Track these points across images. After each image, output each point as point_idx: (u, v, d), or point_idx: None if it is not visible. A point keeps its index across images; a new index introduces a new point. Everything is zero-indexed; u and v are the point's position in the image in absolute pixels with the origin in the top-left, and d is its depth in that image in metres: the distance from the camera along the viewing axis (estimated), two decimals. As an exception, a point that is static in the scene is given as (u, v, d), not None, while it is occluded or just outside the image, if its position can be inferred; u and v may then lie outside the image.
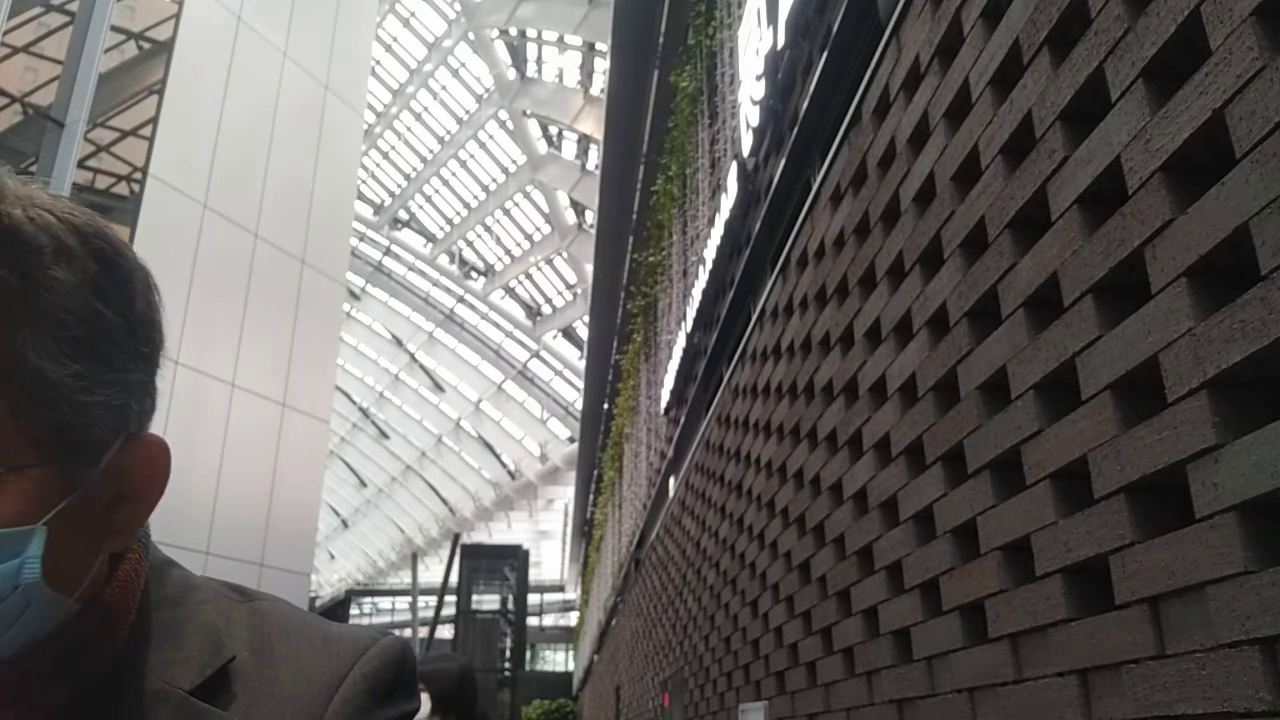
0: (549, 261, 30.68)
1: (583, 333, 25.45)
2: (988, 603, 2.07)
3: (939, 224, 2.38)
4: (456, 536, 29.81)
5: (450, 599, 26.27)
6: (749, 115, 4.99)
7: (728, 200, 5.56)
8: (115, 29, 9.23)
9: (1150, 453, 1.50)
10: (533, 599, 35.44)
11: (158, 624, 0.62)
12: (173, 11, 9.74)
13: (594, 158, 22.23)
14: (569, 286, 31.13)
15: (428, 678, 3.16)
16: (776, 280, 4.25)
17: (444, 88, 27.57)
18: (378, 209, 32.42)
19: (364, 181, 30.11)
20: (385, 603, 47.87)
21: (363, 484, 43.96)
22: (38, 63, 9.09)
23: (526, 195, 28.56)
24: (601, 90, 15.87)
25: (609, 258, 13.38)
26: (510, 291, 32.98)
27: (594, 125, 20.27)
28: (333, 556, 50.92)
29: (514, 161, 27.61)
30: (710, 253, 6.17)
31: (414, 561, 39.21)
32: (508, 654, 24.75)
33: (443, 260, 32.83)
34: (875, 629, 2.82)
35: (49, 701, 0.57)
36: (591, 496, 22.56)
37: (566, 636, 40.50)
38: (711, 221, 6.31)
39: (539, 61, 23.85)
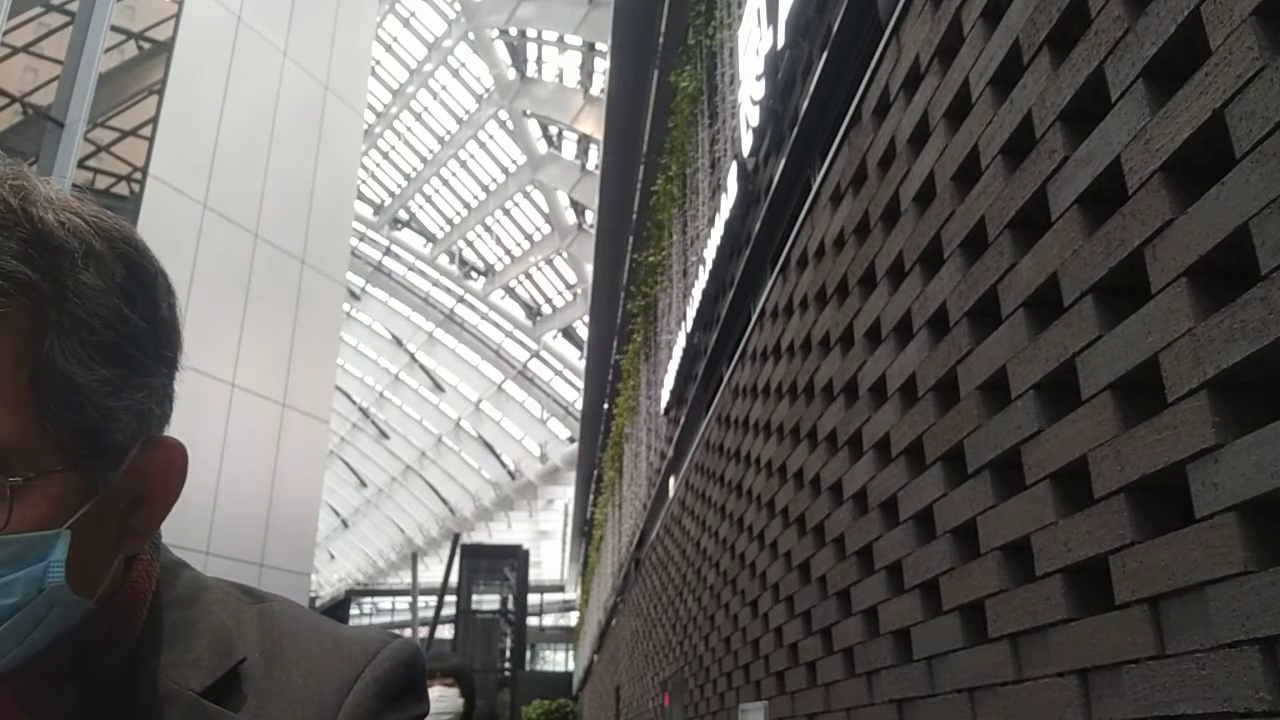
0: (549, 261, 30.70)
1: (583, 333, 25.46)
2: (988, 603, 2.07)
3: (939, 224, 2.38)
4: (456, 536, 29.82)
5: (450, 599, 26.28)
6: (749, 115, 4.99)
7: (728, 200, 5.56)
8: (115, 29, 9.23)
9: (1150, 453, 1.50)
10: (533, 599, 35.46)
11: (169, 625, 0.62)
12: (173, 11, 9.74)
13: (594, 158, 22.23)
14: (569, 286, 31.14)
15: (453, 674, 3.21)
16: (776, 280, 4.25)
17: (444, 88, 27.59)
18: (378, 209, 32.42)
19: (364, 181, 30.12)
20: (385, 603, 47.87)
21: (363, 484, 43.96)
22: (38, 63, 9.09)
23: (526, 195, 28.57)
24: (601, 90, 15.87)
25: (609, 258, 13.38)
26: (510, 291, 32.99)
27: (594, 125, 20.27)
28: (333, 556, 50.92)
29: (514, 161, 27.62)
30: (710, 253, 6.17)
31: (414, 561, 39.20)
32: (508, 654, 24.76)
33: (443, 260, 32.84)
34: (875, 629, 2.82)
35: (63, 702, 0.57)
36: (591, 496, 22.55)
37: (566, 636, 40.50)
38: (711, 221, 6.31)
39: (539, 61, 23.87)
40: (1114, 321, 1.61)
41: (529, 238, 30.55)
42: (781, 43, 4.36)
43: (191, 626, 0.63)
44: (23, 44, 8.85)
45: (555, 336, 32.73)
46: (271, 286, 10.60)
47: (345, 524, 47.42)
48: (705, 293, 6.54)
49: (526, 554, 27.59)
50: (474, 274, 33.15)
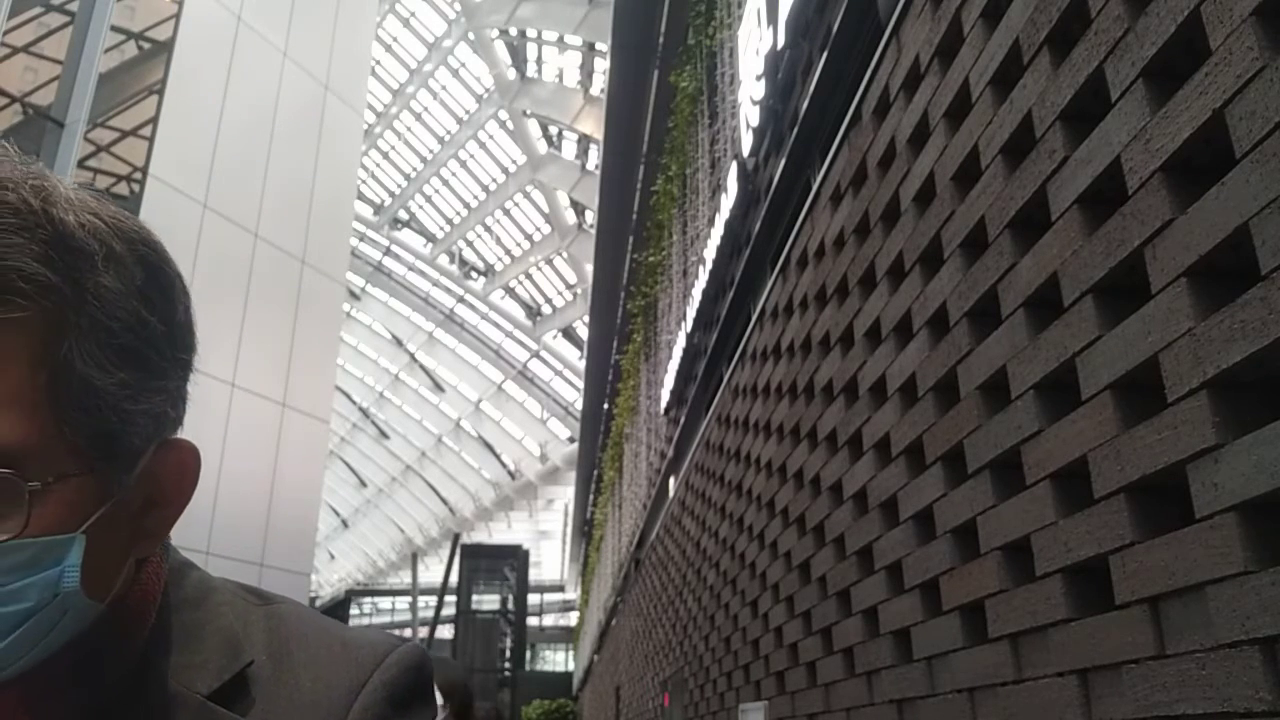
0: (549, 261, 30.69)
1: (583, 333, 25.46)
2: (988, 603, 2.07)
3: (939, 224, 2.38)
4: (456, 536, 29.84)
5: (450, 599, 26.29)
6: (749, 115, 4.99)
7: (728, 200, 5.56)
8: (115, 29, 9.23)
9: (1150, 453, 1.50)
10: (533, 599, 35.46)
11: (177, 626, 0.62)
12: (173, 11, 9.74)
13: (594, 158, 22.23)
14: (569, 286, 31.14)
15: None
16: (776, 280, 4.25)
17: (444, 88, 27.58)
18: (378, 209, 32.42)
19: (364, 181, 30.11)
20: (385, 603, 47.89)
21: (363, 484, 43.96)
22: (38, 63, 9.09)
23: (526, 195, 28.57)
24: (601, 90, 15.88)
25: (609, 258, 13.38)
26: (510, 291, 32.99)
27: (594, 125, 20.28)
28: (333, 556, 50.92)
29: (514, 161, 27.62)
30: (710, 253, 6.17)
31: (414, 561, 39.21)
32: (508, 654, 24.77)
33: (443, 260, 32.84)
34: (875, 629, 2.82)
35: (72, 704, 0.57)
36: (591, 496, 22.55)
37: (566, 636, 40.50)
38: (711, 221, 6.31)
39: (539, 61, 23.87)
40: (1114, 321, 1.61)
41: (529, 238, 30.56)
42: (781, 43, 4.36)
43: (199, 628, 0.62)
44: (23, 44, 8.85)
45: (555, 336, 32.74)
46: (271, 286, 10.60)
47: (345, 524, 47.42)
48: (705, 293, 6.54)
49: (526, 554, 27.59)
50: (474, 274, 33.15)
